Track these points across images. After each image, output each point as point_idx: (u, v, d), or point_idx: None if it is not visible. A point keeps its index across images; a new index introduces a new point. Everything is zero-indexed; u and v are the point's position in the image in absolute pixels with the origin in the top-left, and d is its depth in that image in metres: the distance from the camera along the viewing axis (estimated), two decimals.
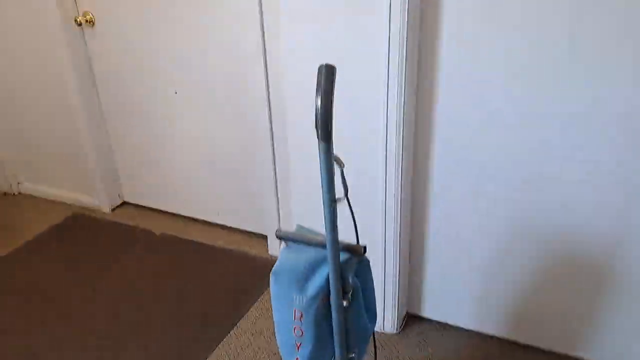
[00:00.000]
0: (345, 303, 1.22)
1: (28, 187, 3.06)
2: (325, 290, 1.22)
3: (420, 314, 2.04)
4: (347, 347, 1.31)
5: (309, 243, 1.23)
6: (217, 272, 2.33)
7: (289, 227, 2.33)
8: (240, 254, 2.45)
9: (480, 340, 1.93)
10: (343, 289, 1.22)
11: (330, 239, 1.12)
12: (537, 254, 1.70)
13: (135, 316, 2.10)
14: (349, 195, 1.13)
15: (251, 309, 2.11)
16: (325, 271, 1.21)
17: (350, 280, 1.21)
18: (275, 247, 2.41)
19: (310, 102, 1.75)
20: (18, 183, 3.08)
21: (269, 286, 2.24)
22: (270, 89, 2.01)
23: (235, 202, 2.52)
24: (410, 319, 2.04)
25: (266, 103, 2.03)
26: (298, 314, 1.26)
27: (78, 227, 2.73)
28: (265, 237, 2.50)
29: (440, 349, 1.90)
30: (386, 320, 1.97)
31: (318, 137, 1.00)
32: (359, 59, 1.58)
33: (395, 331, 1.99)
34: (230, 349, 1.94)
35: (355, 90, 1.63)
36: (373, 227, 1.80)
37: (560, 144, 1.51)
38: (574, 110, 1.46)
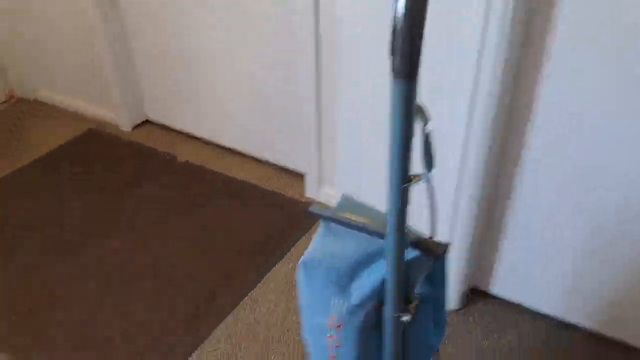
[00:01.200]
0: (406, 318, 0.83)
1: (45, 94, 2.73)
2: (377, 297, 0.83)
3: (487, 291, 1.64)
4: None
5: (358, 229, 0.83)
6: (244, 211, 1.98)
7: (330, 168, 1.92)
8: (272, 193, 2.08)
9: (561, 328, 1.54)
10: (405, 298, 0.82)
11: (394, 235, 0.71)
12: None
13: (148, 256, 1.79)
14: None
15: (280, 262, 1.77)
16: (381, 272, 0.81)
17: (418, 289, 0.81)
18: (313, 188, 2.02)
19: (374, 16, 1.27)
20: (33, 89, 2.75)
21: (302, 235, 1.88)
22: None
23: (271, 133, 2.11)
24: (475, 295, 1.65)
25: (313, 19, 1.57)
26: (335, 323, 0.88)
27: (93, 145, 2.40)
28: (302, 176, 2.11)
29: (513, 333, 1.52)
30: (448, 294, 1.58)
31: (392, 70, 0.56)
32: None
33: (457, 308, 1.61)
34: (256, 305, 1.62)
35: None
36: (443, 183, 1.38)
37: None
38: None
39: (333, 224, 0.85)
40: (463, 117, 1.24)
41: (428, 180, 0.70)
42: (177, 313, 1.60)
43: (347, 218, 0.83)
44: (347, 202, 0.89)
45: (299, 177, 2.14)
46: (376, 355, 0.92)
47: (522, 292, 1.57)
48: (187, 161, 2.27)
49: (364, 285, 0.82)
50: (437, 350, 1.01)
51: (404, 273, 0.77)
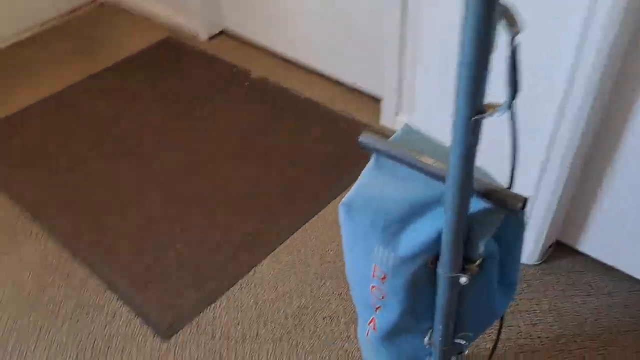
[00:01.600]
0: (464, 279, 0.68)
1: None
2: (430, 251, 0.69)
3: (574, 247, 1.44)
4: (455, 330, 0.81)
5: (416, 167, 0.67)
6: (313, 135, 1.85)
7: (410, 94, 1.73)
8: (346, 117, 1.92)
9: None
10: (466, 257, 0.67)
11: (457, 179, 0.55)
12: None
13: (211, 171, 1.73)
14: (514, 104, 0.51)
15: (344, 192, 1.65)
16: (438, 222, 0.66)
17: (482, 247, 0.66)
18: (389, 116, 1.84)
19: None
20: None
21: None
22: None
23: (349, 53, 1.93)
24: (559, 249, 1.46)
25: None
26: (379, 273, 0.75)
27: (169, 53, 2.34)
28: (378, 101, 1.93)
29: (601, 298, 1.33)
30: (525, 246, 1.40)
31: None
32: None
33: (535, 262, 1.43)
34: (311, 237, 1.53)
35: None
36: (537, 118, 1.17)
37: None
38: None
39: (386, 160, 0.70)
40: (575, 36, 1.01)
41: (510, 110, 0.53)
42: (232, 235, 1.55)
43: (404, 153, 0.68)
44: (409, 135, 0.73)
45: (376, 102, 1.96)
46: (426, 311, 0.79)
47: (616, 253, 1.35)
48: (261, 77, 2.16)
49: (416, 236, 0.68)
50: (502, 315, 0.86)
51: (466, 227, 0.62)
